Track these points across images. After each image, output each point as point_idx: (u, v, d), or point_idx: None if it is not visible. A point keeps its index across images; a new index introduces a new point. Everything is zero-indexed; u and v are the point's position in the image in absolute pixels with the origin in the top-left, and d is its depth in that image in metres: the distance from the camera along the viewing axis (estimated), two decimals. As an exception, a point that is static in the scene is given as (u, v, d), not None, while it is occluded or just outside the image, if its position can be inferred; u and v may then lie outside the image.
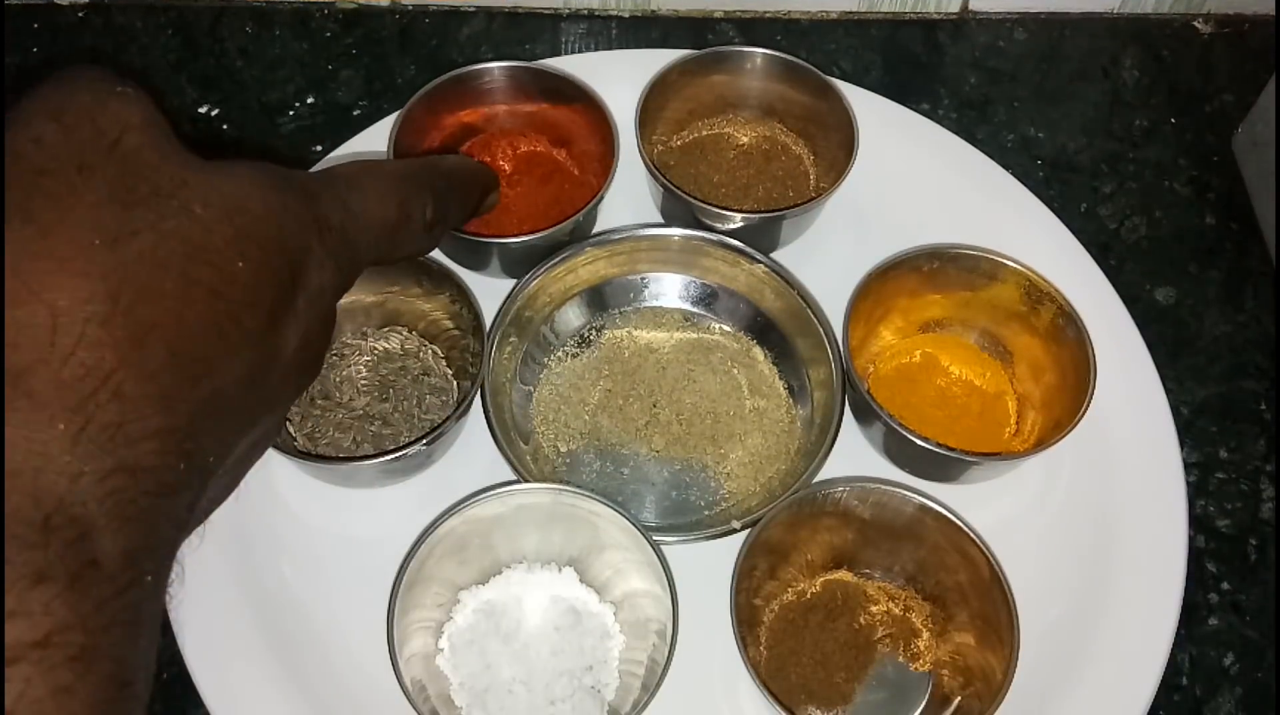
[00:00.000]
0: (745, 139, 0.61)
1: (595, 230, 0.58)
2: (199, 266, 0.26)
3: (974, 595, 0.47)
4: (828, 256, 0.58)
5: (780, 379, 0.55)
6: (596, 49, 0.68)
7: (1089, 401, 0.49)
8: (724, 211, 0.55)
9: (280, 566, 0.50)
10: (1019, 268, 0.53)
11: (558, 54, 0.66)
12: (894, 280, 0.53)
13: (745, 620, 0.46)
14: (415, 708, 0.43)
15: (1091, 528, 0.52)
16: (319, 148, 0.63)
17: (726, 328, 0.57)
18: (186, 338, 0.25)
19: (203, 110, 0.65)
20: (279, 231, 0.29)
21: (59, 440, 0.23)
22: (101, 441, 0.23)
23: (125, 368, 0.24)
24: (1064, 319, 0.52)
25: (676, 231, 0.56)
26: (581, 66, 0.59)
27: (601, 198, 0.55)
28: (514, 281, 0.54)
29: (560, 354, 0.56)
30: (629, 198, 0.59)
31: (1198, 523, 0.54)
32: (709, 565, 0.48)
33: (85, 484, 0.23)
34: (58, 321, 0.24)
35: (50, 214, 0.25)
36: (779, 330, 0.56)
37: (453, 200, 0.40)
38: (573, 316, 0.57)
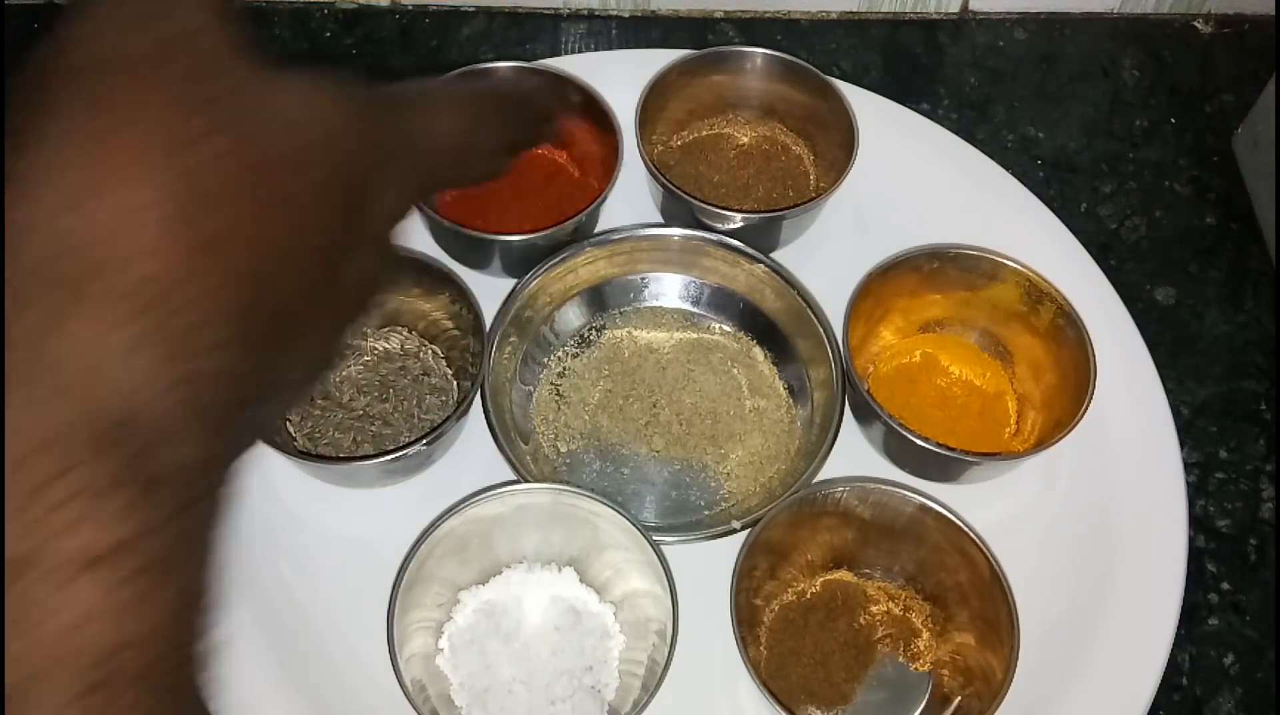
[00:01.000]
0: (745, 139, 0.61)
1: (595, 230, 0.58)
2: (265, 179, 0.25)
3: (974, 595, 0.47)
4: (828, 256, 0.58)
5: (780, 379, 0.55)
6: (596, 49, 0.68)
7: (1089, 401, 0.49)
8: (724, 211, 0.55)
9: (280, 566, 0.50)
10: (1019, 268, 0.53)
11: (558, 54, 0.66)
12: (894, 280, 0.53)
13: (745, 620, 0.46)
14: (415, 708, 0.43)
15: (1091, 528, 0.52)
16: (319, 148, 0.63)
17: (726, 328, 0.57)
18: (251, 251, 0.24)
19: (203, 110, 0.65)
20: (345, 149, 0.27)
21: (125, 346, 0.22)
22: (167, 350, 0.23)
23: (191, 277, 0.23)
24: (1064, 319, 0.52)
25: (676, 231, 0.56)
26: (581, 66, 0.59)
27: (605, 199, 0.55)
28: (514, 281, 0.54)
29: (560, 354, 0.56)
30: (629, 198, 0.59)
31: (1198, 523, 0.54)
32: (709, 565, 0.48)
33: (152, 392, 0.22)
34: (125, 223, 0.23)
35: (122, 108, 0.23)
36: (779, 330, 0.56)
37: (518, 122, 0.39)
38: (573, 316, 0.57)
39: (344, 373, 0.54)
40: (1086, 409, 0.49)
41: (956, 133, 0.63)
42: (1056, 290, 0.52)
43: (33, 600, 0.20)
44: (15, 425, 0.21)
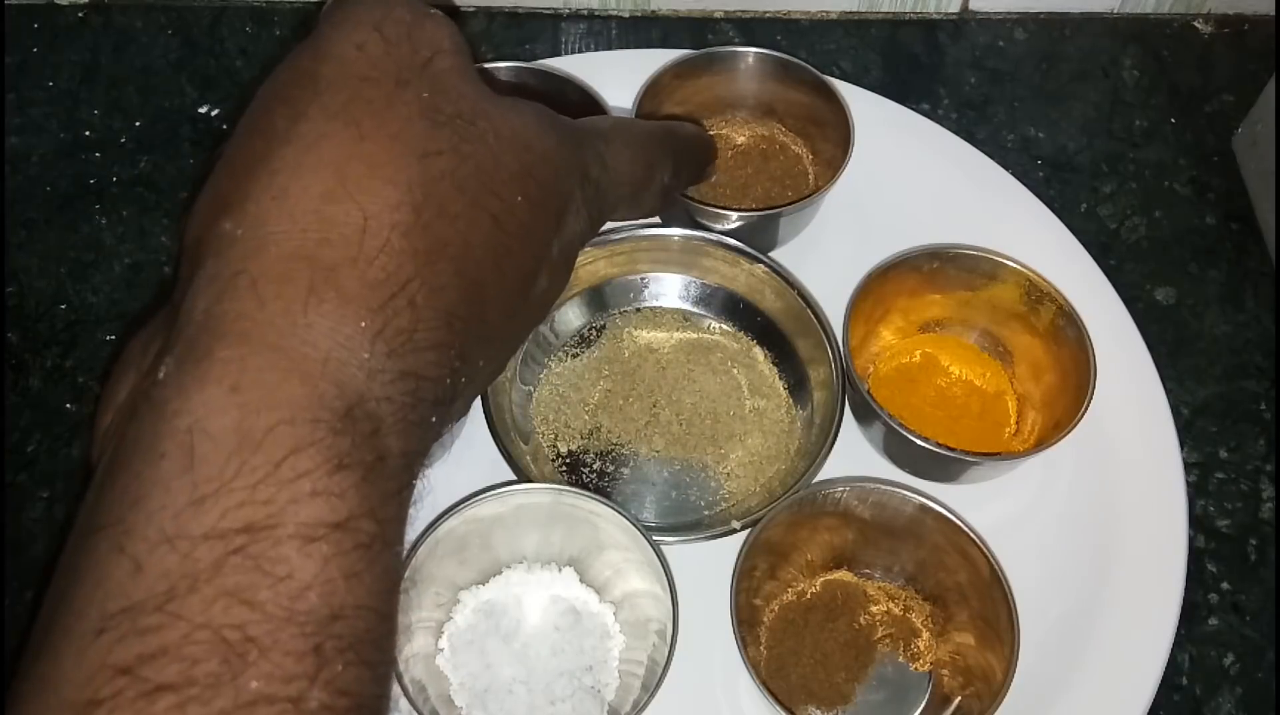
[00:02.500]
0: (743, 139, 0.61)
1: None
2: (487, 194, 0.26)
3: (974, 595, 0.47)
4: (827, 256, 0.58)
5: (780, 379, 0.55)
6: (596, 49, 0.68)
7: (1089, 401, 0.49)
8: (721, 210, 0.55)
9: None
10: (1019, 268, 0.53)
11: (558, 54, 0.66)
12: (894, 280, 0.53)
13: (745, 620, 0.46)
14: (415, 708, 0.43)
15: (1091, 528, 0.52)
16: (319, 148, 0.63)
17: (726, 328, 0.57)
18: (470, 261, 0.26)
19: (203, 110, 0.65)
20: (554, 174, 0.29)
21: (361, 337, 0.23)
22: (394, 346, 0.24)
23: (419, 279, 0.24)
24: (1064, 319, 0.52)
25: (676, 231, 0.56)
26: (581, 66, 0.59)
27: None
28: (514, 281, 0.54)
29: (560, 354, 0.56)
30: (629, 198, 0.59)
31: (1198, 523, 0.54)
32: (709, 565, 0.48)
33: (380, 383, 0.24)
34: (368, 223, 0.24)
35: (369, 121, 0.25)
36: (779, 330, 0.56)
37: (686, 166, 0.41)
38: (573, 316, 0.57)
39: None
40: (1086, 409, 0.49)
41: (956, 133, 0.63)
42: (1056, 290, 0.52)
43: (264, 564, 0.21)
44: (265, 398, 0.22)
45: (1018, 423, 0.54)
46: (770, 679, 0.47)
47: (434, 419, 0.26)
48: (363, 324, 0.23)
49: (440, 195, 0.25)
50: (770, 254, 0.55)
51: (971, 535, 0.46)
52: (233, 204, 0.24)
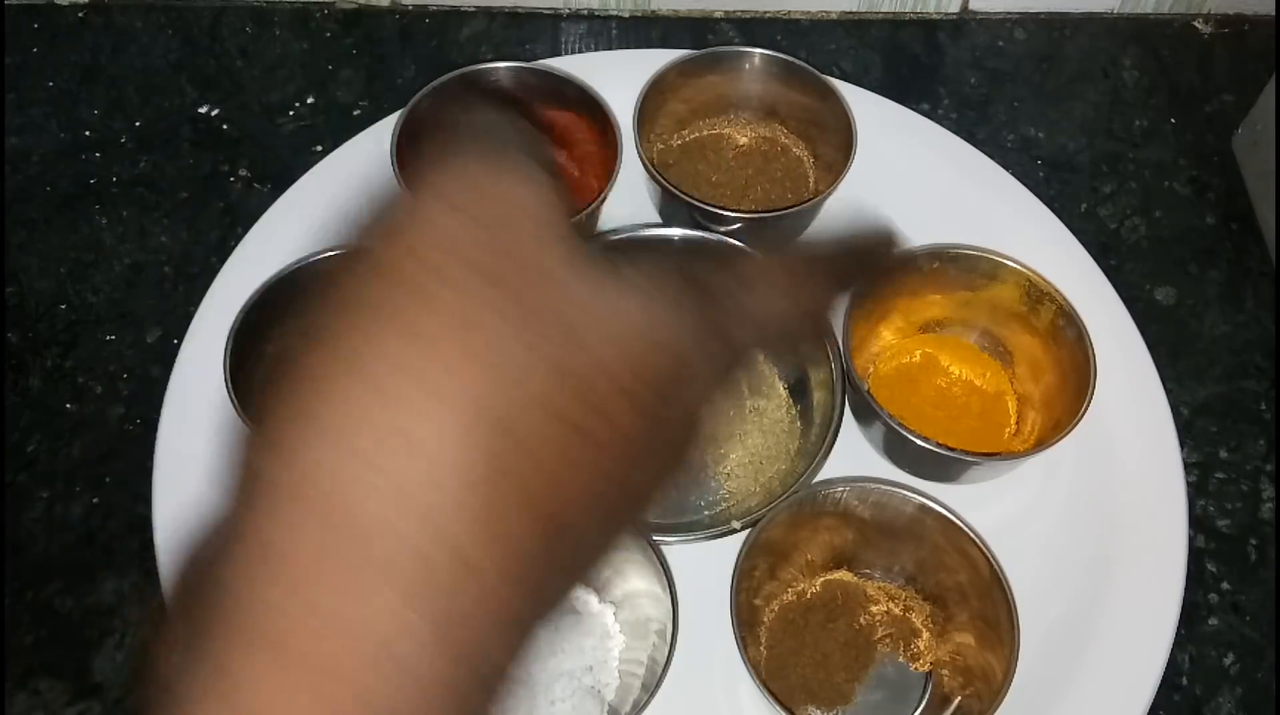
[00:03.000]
0: (744, 139, 0.61)
1: (595, 230, 0.57)
2: (586, 414, 0.21)
3: (974, 595, 0.47)
4: (828, 256, 0.58)
5: (780, 379, 0.55)
6: (596, 49, 0.68)
7: (1089, 401, 0.49)
8: (722, 211, 0.55)
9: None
10: (1019, 268, 0.53)
11: (558, 54, 0.66)
12: (894, 280, 0.53)
13: (745, 620, 0.46)
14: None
15: (1091, 528, 0.52)
16: (319, 148, 0.63)
17: (726, 328, 0.57)
18: (556, 501, 0.21)
19: (203, 110, 0.65)
20: (675, 367, 0.23)
21: (413, 630, 0.19)
22: (455, 641, 0.20)
23: (487, 546, 0.20)
24: (1064, 319, 0.52)
25: (676, 231, 0.56)
26: (581, 66, 0.59)
27: (604, 198, 0.55)
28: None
29: (560, 354, 0.56)
30: (629, 198, 0.59)
31: (1198, 523, 0.54)
32: (709, 565, 0.48)
33: (418, 676, 0.20)
34: (430, 474, 0.20)
35: (439, 329, 0.20)
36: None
37: (860, 281, 0.33)
38: (573, 316, 0.56)
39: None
40: (1086, 409, 0.49)
41: (956, 133, 0.63)
42: (1056, 290, 0.52)
43: None
44: (268, 703, 0.19)
45: (1018, 423, 0.54)
46: (770, 679, 0.47)
47: (500, 687, 0.22)
48: (413, 616, 0.19)
49: (523, 426, 0.20)
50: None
51: (971, 535, 0.46)
52: (286, 438, 0.21)
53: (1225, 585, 0.53)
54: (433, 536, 0.20)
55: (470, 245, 0.21)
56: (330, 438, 0.20)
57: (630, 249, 0.55)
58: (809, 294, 0.29)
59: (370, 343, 0.21)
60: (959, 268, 0.54)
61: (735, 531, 0.48)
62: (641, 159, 0.56)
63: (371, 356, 0.20)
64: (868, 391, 0.50)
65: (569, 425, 0.21)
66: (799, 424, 0.54)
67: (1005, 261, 0.53)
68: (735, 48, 0.59)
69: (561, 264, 0.22)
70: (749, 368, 0.27)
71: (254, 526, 0.20)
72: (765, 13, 0.70)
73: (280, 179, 0.61)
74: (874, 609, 0.50)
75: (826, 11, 0.70)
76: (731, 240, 0.55)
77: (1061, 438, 0.49)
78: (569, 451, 0.21)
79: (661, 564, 0.45)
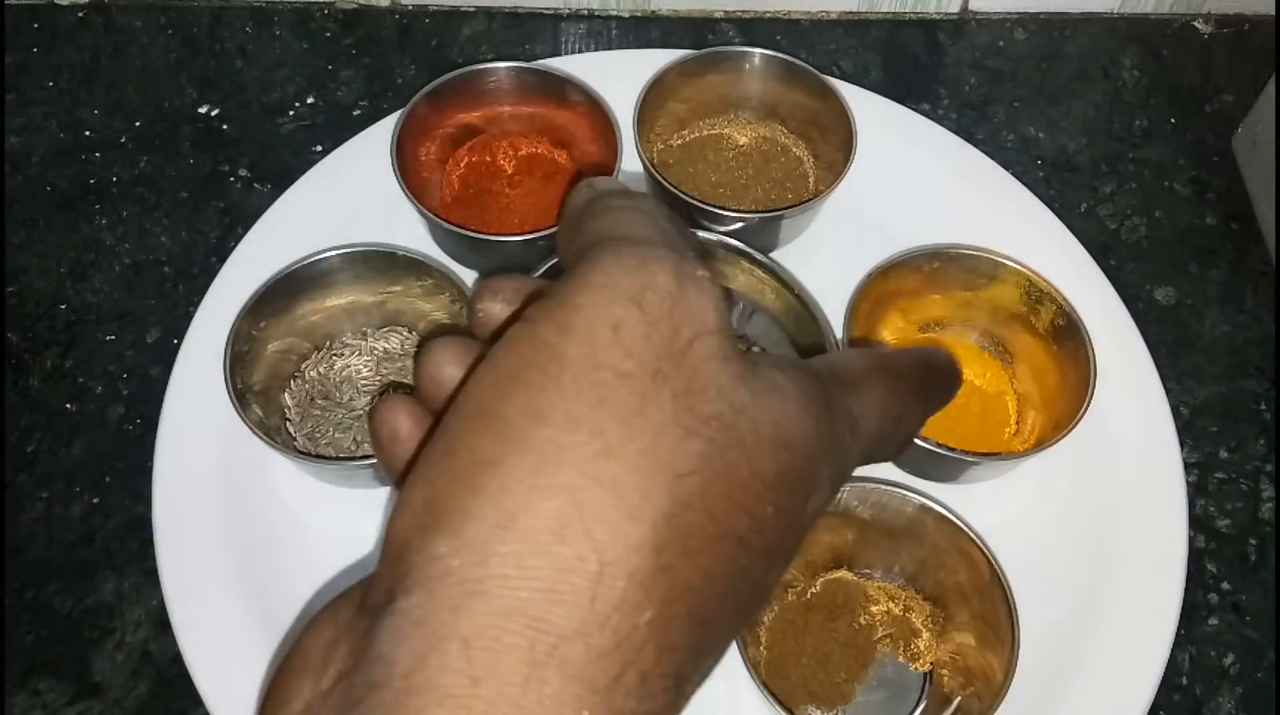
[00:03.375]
0: (744, 139, 0.61)
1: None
2: (737, 513, 0.22)
3: (974, 595, 0.47)
4: (828, 257, 0.58)
5: (780, 379, 0.55)
6: (596, 49, 0.68)
7: (1089, 401, 0.49)
8: (721, 211, 0.55)
9: (281, 567, 0.50)
10: (1019, 268, 0.53)
11: (558, 54, 0.66)
12: (894, 280, 0.53)
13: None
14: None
15: (1091, 528, 0.52)
16: (319, 148, 0.63)
17: (726, 328, 0.57)
18: (706, 598, 0.21)
19: (203, 110, 0.65)
20: (810, 464, 0.23)
21: (566, 710, 0.19)
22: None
23: (652, 643, 0.20)
24: (1064, 319, 0.52)
25: (676, 231, 0.55)
26: (581, 66, 0.59)
27: (602, 198, 0.55)
28: (514, 281, 0.54)
29: (560, 354, 0.56)
30: (629, 198, 0.58)
31: (1198, 523, 0.54)
32: (709, 565, 0.48)
33: None
34: (603, 572, 0.20)
35: (618, 430, 0.21)
36: (779, 330, 0.56)
37: (936, 405, 0.34)
38: (573, 316, 0.56)
39: (344, 373, 0.54)
40: (1086, 409, 0.49)
41: (956, 133, 0.63)
42: (1057, 290, 0.52)
43: None
44: None
45: (1018, 423, 0.54)
46: (770, 679, 0.47)
47: None
48: (585, 713, 0.19)
49: (686, 528, 0.21)
50: (770, 254, 0.55)
51: (971, 535, 0.46)
52: (452, 518, 0.21)
53: (1225, 585, 0.53)
54: (609, 635, 0.20)
55: (642, 342, 0.21)
56: (511, 526, 0.20)
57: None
58: (904, 406, 0.29)
59: (542, 428, 0.21)
60: (959, 268, 0.54)
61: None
62: (641, 159, 0.56)
63: (543, 444, 0.20)
64: (868, 391, 0.50)
65: (725, 526, 0.21)
66: (799, 424, 0.54)
67: (1005, 262, 0.53)
68: (735, 48, 0.59)
69: (722, 364, 0.22)
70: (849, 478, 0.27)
71: (430, 611, 0.20)
72: (765, 13, 0.70)
73: (280, 179, 0.61)
74: (874, 609, 0.50)
75: (826, 11, 0.70)
76: (724, 238, 0.55)
77: (1061, 438, 0.49)
78: (723, 552, 0.21)
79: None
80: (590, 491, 0.20)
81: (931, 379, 0.32)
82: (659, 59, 0.58)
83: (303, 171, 0.60)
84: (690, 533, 0.21)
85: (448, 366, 0.24)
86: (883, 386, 0.28)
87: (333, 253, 0.52)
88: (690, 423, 0.21)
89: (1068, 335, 0.52)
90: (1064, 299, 0.52)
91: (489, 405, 0.21)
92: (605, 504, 0.20)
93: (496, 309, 0.25)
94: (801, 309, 0.54)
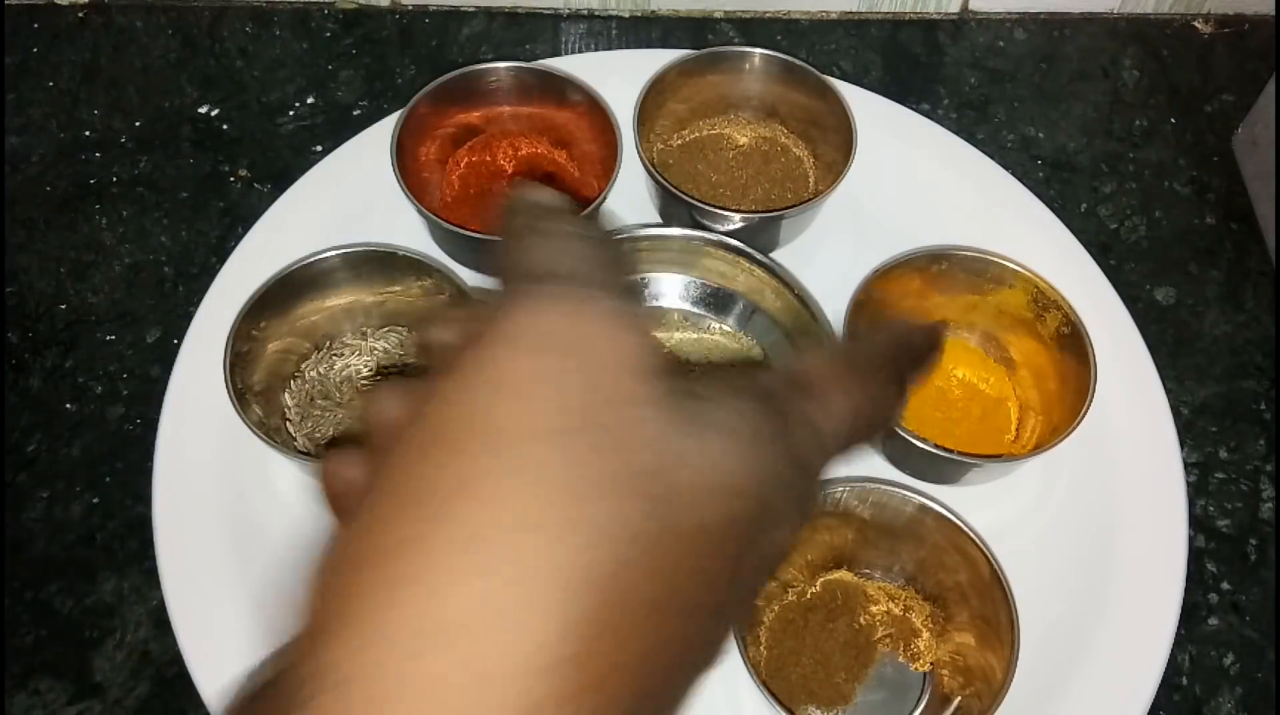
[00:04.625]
0: (744, 139, 0.61)
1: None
2: (679, 577, 0.20)
3: (974, 595, 0.47)
4: (828, 257, 0.58)
5: (780, 379, 0.55)
6: (596, 49, 0.68)
7: (1087, 407, 0.49)
8: (721, 211, 0.55)
9: (280, 567, 0.50)
10: (1027, 273, 0.53)
11: (558, 54, 0.66)
12: (896, 281, 0.53)
13: (745, 620, 0.46)
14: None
15: (1092, 528, 0.52)
16: (319, 148, 0.63)
17: (726, 328, 0.57)
18: (643, 674, 0.20)
19: (203, 110, 0.65)
20: (764, 503, 0.22)
21: None
22: None
23: None
24: (1068, 327, 0.52)
25: (676, 232, 0.56)
26: (581, 66, 0.59)
27: (604, 198, 0.55)
28: (514, 281, 0.54)
29: (560, 354, 0.56)
30: (628, 198, 0.59)
31: (1198, 523, 0.54)
32: (709, 565, 0.48)
33: None
34: (526, 669, 0.18)
35: (543, 499, 0.19)
36: (779, 330, 0.56)
37: (913, 380, 0.31)
38: (573, 317, 0.56)
39: (344, 373, 0.54)
40: (1084, 415, 0.49)
41: (956, 133, 0.63)
42: (1063, 298, 0.52)
43: None
44: None
45: (1018, 428, 0.54)
46: (770, 679, 0.47)
47: None
48: None
49: (619, 599, 0.19)
50: (770, 254, 0.55)
51: (971, 535, 0.46)
52: (365, 608, 0.19)
53: (1225, 585, 0.53)
54: None
55: (556, 394, 0.20)
56: (425, 616, 0.19)
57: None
58: (874, 395, 0.28)
59: (459, 503, 0.19)
60: (965, 270, 0.54)
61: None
62: (641, 159, 0.56)
63: (463, 520, 0.19)
64: (868, 391, 0.50)
65: (668, 589, 0.20)
66: (799, 424, 0.54)
67: (1012, 267, 0.53)
68: (735, 48, 0.59)
69: (656, 412, 0.20)
70: (823, 492, 0.26)
71: (346, 703, 0.18)
72: (765, 13, 0.70)
73: (280, 179, 0.61)
74: (874, 609, 0.50)
75: (826, 11, 0.70)
76: (725, 239, 0.55)
77: (1058, 442, 0.49)
78: (667, 618, 0.20)
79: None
80: (510, 572, 0.19)
81: (905, 358, 0.30)
82: (659, 59, 0.58)
83: (303, 171, 0.60)
84: (623, 606, 0.19)
85: (394, 409, 0.22)
86: (850, 383, 0.26)
87: (333, 253, 0.52)
88: (624, 481, 0.19)
89: (1071, 342, 0.52)
90: (1070, 307, 0.52)
91: (410, 464, 0.20)
92: (527, 587, 0.18)
93: (448, 338, 0.23)
94: (801, 309, 0.54)
